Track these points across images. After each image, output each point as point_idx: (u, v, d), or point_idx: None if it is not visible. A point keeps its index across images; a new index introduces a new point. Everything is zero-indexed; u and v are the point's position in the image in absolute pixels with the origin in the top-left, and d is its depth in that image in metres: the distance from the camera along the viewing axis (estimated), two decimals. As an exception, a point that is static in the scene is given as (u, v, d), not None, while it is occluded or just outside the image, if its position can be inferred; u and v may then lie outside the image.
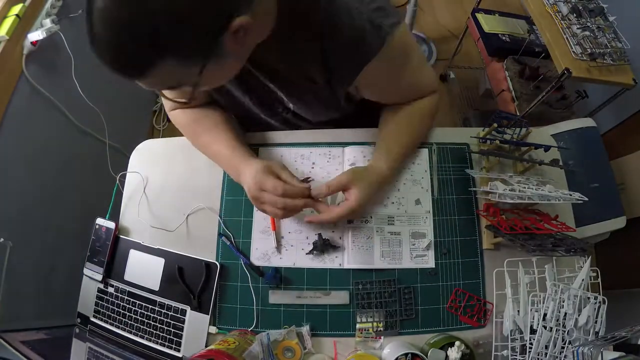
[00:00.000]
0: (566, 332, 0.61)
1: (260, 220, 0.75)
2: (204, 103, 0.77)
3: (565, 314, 0.62)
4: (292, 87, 0.70)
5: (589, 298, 0.63)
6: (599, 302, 0.62)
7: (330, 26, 0.56)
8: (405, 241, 0.73)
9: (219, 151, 0.74)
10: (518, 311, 0.64)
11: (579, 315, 0.61)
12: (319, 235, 0.73)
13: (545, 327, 0.61)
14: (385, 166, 0.72)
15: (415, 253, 0.73)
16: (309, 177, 0.75)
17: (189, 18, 0.41)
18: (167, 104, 0.79)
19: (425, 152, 0.80)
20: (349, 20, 0.56)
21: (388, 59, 0.61)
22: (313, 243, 0.73)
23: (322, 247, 0.72)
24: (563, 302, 0.62)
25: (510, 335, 0.64)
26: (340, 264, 0.72)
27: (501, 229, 0.65)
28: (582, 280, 0.64)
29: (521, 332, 0.63)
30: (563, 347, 0.61)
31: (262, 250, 0.74)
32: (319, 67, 0.63)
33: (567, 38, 1.29)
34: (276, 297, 0.71)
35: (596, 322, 0.62)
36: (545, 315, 0.61)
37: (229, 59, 0.50)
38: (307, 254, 0.73)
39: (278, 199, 0.64)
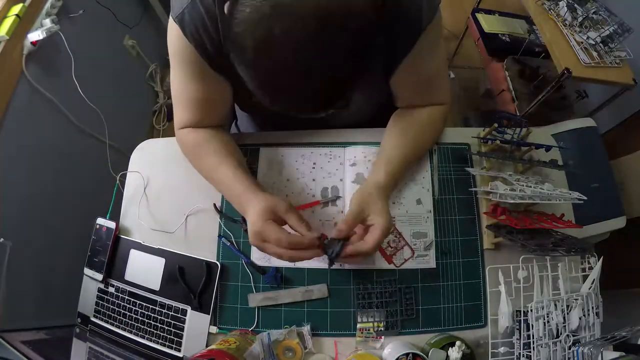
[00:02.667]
0: (565, 330, 0.61)
1: (261, 220, 0.75)
2: (215, 125, 0.75)
3: (565, 314, 0.62)
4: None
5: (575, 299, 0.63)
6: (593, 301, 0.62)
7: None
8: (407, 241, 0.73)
9: (223, 180, 0.70)
10: (517, 311, 0.64)
11: (583, 316, 0.61)
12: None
13: (545, 325, 0.61)
14: (383, 177, 0.68)
15: (417, 253, 0.73)
16: (323, 236, 0.62)
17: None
18: (176, 122, 0.74)
19: (426, 152, 0.80)
20: None
21: (429, 35, 0.61)
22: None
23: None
24: (570, 303, 0.62)
25: (506, 332, 0.64)
26: (341, 264, 0.72)
27: (512, 225, 0.64)
28: (593, 280, 0.64)
29: (517, 328, 0.63)
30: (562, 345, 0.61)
31: (263, 250, 0.74)
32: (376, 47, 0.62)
33: (566, 34, 1.29)
34: (255, 299, 0.71)
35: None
36: (545, 316, 0.61)
37: None
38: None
39: (283, 251, 0.57)
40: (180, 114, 0.72)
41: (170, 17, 0.58)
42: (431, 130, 0.77)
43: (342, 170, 0.78)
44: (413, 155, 0.75)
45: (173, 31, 0.59)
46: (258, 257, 0.73)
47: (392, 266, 0.72)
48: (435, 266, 0.72)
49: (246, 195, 0.65)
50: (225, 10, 0.40)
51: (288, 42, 0.37)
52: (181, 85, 0.68)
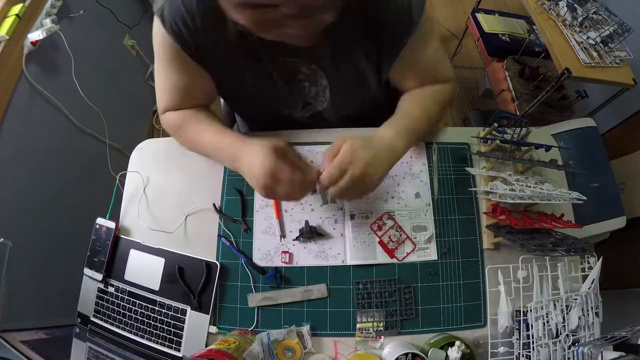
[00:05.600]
0: (565, 329, 0.61)
1: (261, 221, 0.75)
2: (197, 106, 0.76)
3: (565, 314, 0.62)
4: (337, 72, 0.68)
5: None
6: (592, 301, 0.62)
7: None
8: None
9: (209, 140, 0.70)
10: (517, 311, 0.64)
11: (582, 315, 0.61)
12: (306, 222, 0.73)
13: (544, 325, 0.61)
14: (391, 133, 0.65)
15: (418, 246, 0.73)
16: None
17: None
18: (160, 108, 0.76)
19: (422, 146, 0.80)
20: None
21: (421, 26, 0.62)
22: (299, 230, 0.73)
23: (309, 233, 0.72)
24: (570, 303, 0.62)
25: (506, 332, 0.64)
26: (343, 261, 0.72)
27: (512, 225, 0.64)
28: (593, 280, 0.64)
29: (517, 328, 0.63)
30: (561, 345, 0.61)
31: (264, 251, 0.74)
32: (366, 43, 0.62)
33: (566, 34, 1.29)
34: (254, 299, 0.71)
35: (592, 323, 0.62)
36: (544, 316, 0.61)
37: None
38: (293, 240, 0.73)
39: (295, 192, 0.59)
40: (163, 99, 0.74)
41: (154, 12, 0.62)
42: (437, 97, 0.74)
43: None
44: (424, 123, 0.72)
45: (156, 25, 0.63)
46: (260, 257, 0.73)
47: (394, 260, 0.72)
48: (436, 258, 0.72)
49: (236, 144, 0.65)
50: None
51: None
52: (164, 73, 0.71)
